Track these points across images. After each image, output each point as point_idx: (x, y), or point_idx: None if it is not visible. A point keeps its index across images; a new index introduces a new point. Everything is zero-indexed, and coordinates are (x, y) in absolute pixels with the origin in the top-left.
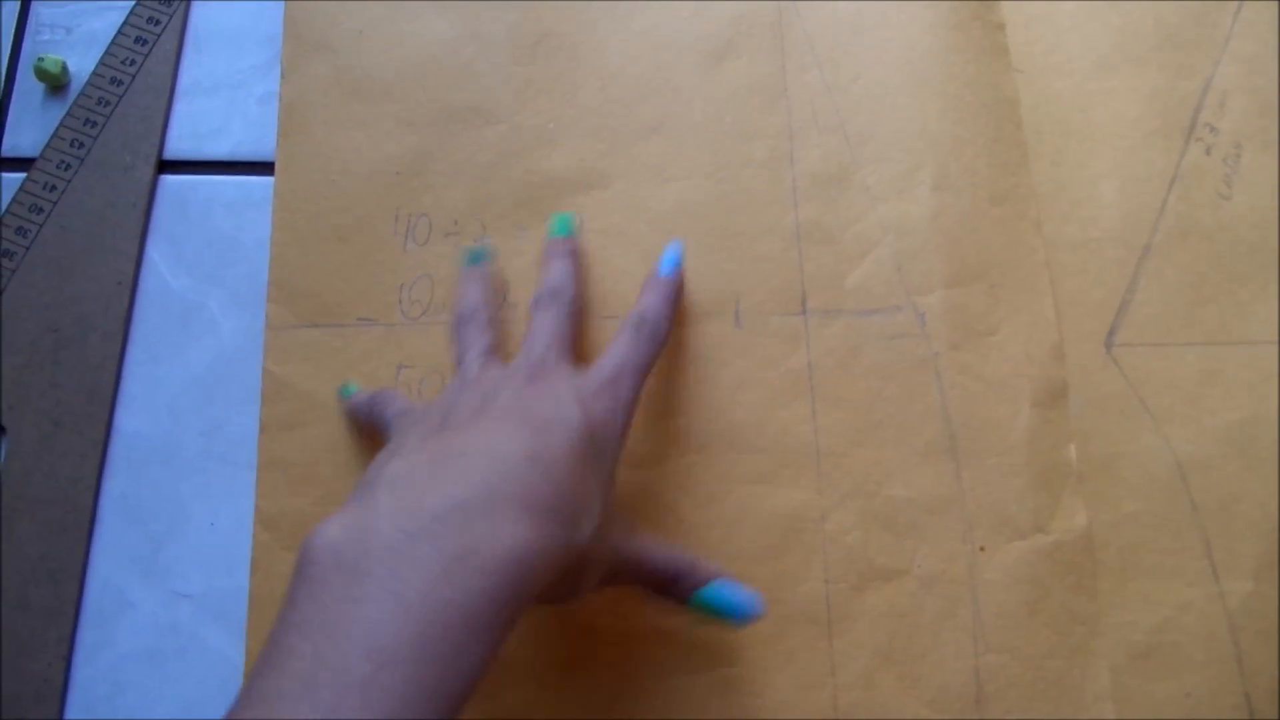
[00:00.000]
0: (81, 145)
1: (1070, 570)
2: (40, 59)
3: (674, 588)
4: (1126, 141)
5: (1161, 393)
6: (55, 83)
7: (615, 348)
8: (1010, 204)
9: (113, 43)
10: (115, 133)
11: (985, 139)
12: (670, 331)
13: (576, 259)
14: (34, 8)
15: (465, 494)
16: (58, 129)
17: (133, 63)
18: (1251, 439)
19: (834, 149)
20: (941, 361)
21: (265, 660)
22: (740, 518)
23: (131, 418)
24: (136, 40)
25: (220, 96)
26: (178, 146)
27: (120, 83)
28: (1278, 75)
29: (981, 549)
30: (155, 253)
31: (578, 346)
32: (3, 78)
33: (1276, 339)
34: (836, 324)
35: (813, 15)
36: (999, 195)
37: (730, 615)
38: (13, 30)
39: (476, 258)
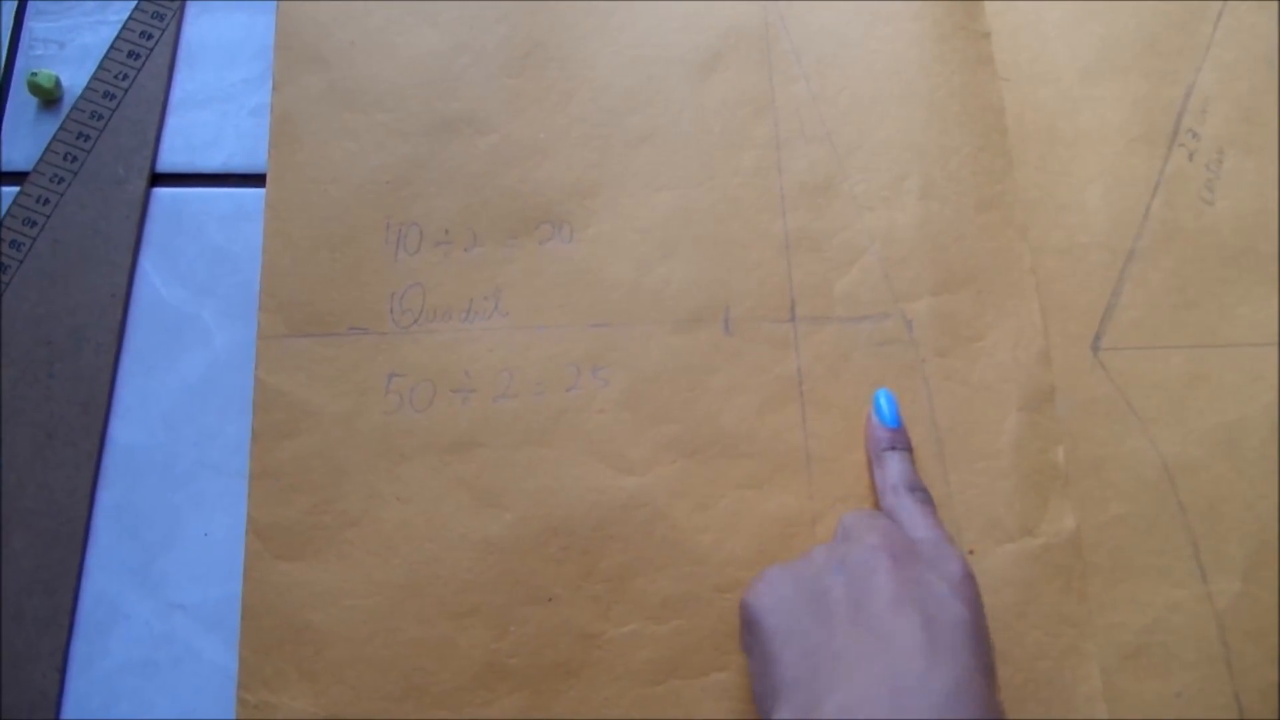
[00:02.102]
0: (75, 159)
1: (1059, 572)
2: (34, 74)
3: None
4: (1111, 148)
5: (1148, 395)
6: (48, 97)
7: (915, 521)
8: (996, 211)
9: (105, 57)
10: (108, 146)
11: (971, 147)
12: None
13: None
14: (27, 23)
15: None
16: (51, 143)
17: (125, 77)
18: (1238, 440)
19: (821, 158)
20: (929, 367)
21: None
22: (732, 522)
23: (125, 428)
24: (129, 54)
25: (212, 109)
26: (170, 159)
27: (113, 97)
28: (1258, 81)
29: (970, 552)
30: (148, 264)
31: None
32: None
33: (1261, 341)
34: (825, 330)
35: (800, 28)
36: (985, 202)
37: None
38: (6, 45)
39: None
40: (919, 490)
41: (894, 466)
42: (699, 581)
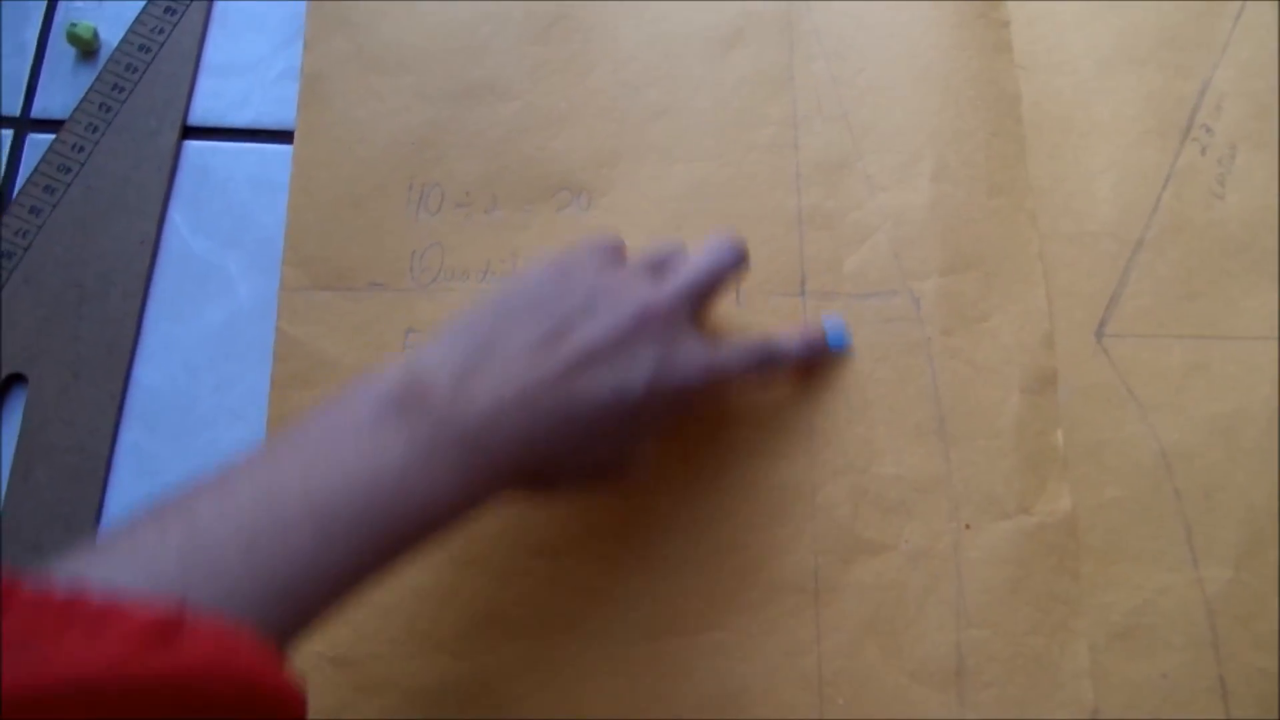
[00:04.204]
0: (109, 109)
1: (1053, 551)
2: (73, 24)
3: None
4: (1124, 139)
5: (1149, 383)
6: (86, 48)
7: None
8: (1007, 196)
9: (143, 11)
10: (142, 98)
11: (985, 132)
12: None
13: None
14: None
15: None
16: (87, 93)
17: (161, 31)
18: (1235, 430)
19: (837, 138)
20: (934, 345)
21: None
22: (735, 487)
23: (149, 372)
24: (165, 10)
25: (243, 67)
26: (201, 114)
27: (149, 50)
28: (1275, 79)
29: (967, 527)
30: (177, 214)
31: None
32: (36, 42)
33: (1262, 335)
34: (834, 305)
35: (822, 10)
36: (996, 187)
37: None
38: None
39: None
40: (760, 349)
41: (786, 344)
42: (701, 543)
